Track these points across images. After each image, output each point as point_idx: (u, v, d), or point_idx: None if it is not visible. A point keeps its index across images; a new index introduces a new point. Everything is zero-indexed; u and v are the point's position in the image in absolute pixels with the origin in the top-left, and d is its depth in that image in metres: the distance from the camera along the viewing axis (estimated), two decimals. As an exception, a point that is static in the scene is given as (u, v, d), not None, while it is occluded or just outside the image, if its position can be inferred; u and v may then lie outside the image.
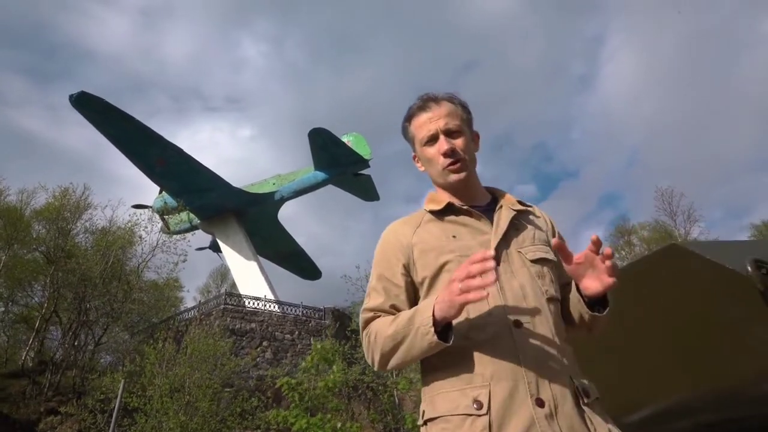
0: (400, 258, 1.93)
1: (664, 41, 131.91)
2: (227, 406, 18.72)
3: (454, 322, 1.65)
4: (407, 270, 1.91)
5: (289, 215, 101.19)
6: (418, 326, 1.66)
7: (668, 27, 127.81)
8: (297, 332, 28.71)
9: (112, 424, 16.05)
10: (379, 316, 1.87)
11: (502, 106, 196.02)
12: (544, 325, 1.69)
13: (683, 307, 2.49)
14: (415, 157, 2.15)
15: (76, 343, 26.84)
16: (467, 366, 1.66)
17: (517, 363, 1.61)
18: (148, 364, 18.78)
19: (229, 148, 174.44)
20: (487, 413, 1.56)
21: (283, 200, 35.33)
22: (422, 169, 2.12)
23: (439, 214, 1.97)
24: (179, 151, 29.97)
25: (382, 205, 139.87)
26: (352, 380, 18.18)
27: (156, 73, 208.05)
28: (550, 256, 1.86)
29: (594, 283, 1.66)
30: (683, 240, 40.75)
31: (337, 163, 32.36)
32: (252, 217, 35.16)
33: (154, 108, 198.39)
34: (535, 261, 1.83)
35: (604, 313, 1.73)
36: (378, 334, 1.79)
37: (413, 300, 1.88)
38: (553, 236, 1.95)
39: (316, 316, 30.21)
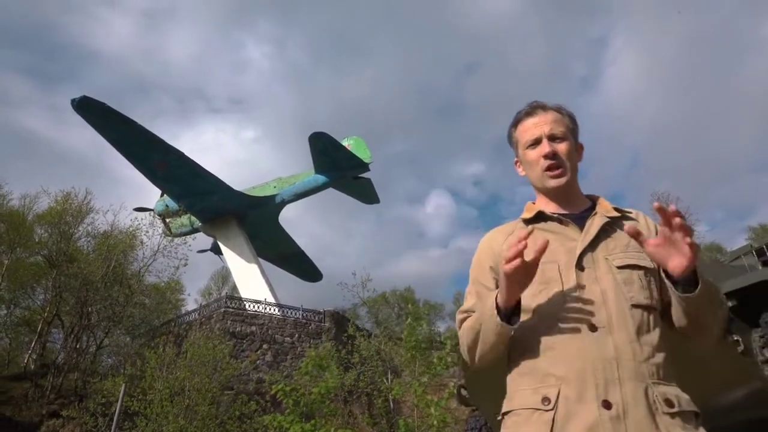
0: (490, 263, 2.02)
1: (665, 43, 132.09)
2: (226, 409, 18.83)
3: (533, 322, 1.78)
4: (496, 274, 1.96)
5: (291, 217, 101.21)
6: (486, 311, 1.79)
7: (670, 29, 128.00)
8: (297, 335, 28.81)
9: (113, 428, 16.19)
10: (470, 316, 1.95)
11: (504, 107, 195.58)
12: (622, 330, 1.69)
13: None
14: (517, 162, 2.18)
15: (77, 347, 26.99)
16: (541, 367, 1.74)
17: (588, 365, 1.65)
18: (148, 368, 18.90)
19: (233, 150, 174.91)
20: (553, 409, 1.63)
21: (283, 203, 35.42)
22: (523, 173, 2.15)
23: (531, 222, 2.02)
24: (180, 155, 30.06)
25: (384, 206, 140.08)
26: (348, 385, 18.30)
27: (160, 75, 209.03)
28: (644, 262, 1.82)
29: (678, 260, 1.60)
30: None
31: (337, 167, 32.43)
32: (253, 220, 35.28)
33: (158, 109, 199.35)
34: (622, 267, 1.82)
35: (696, 292, 1.63)
36: (465, 329, 1.92)
37: None
38: None
39: (316, 319, 30.26)
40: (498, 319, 1.73)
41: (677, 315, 1.75)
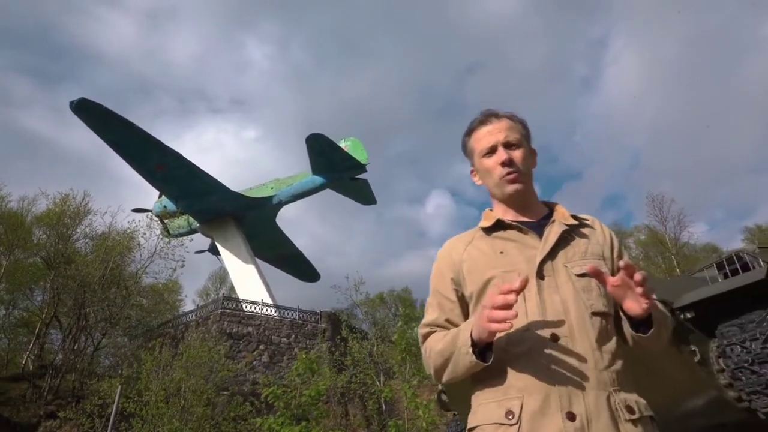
0: (450, 273, 2.00)
1: (666, 43, 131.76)
2: (222, 410, 18.98)
3: (495, 338, 1.73)
4: (457, 284, 1.98)
5: (292, 216, 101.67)
6: (460, 345, 1.75)
7: (671, 29, 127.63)
8: (293, 336, 28.95)
9: (109, 429, 16.38)
10: (434, 331, 1.96)
11: (506, 107, 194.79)
12: (584, 339, 1.70)
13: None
14: (473, 171, 2.18)
15: (75, 347, 27.09)
16: (504, 378, 1.72)
17: (551, 376, 1.64)
18: (144, 370, 19.07)
19: (234, 150, 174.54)
20: (517, 423, 1.62)
21: (281, 204, 35.54)
22: (479, 182, 2.14)
23: (490, 231, 2.01)
24: (178, 157, 30.17)
25: (385, 206, 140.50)
26: (341, 387, 18.47)
27: (161, 75, 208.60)
28: (602, 269, 1.78)
29: (634, 305, 1.67)
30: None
31: (334, 168, 32.55)
32: (250, 221, 35.41)
33: (160, 109, 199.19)
34: (581, 275, 1.81)
35: (648, 334, 1.71)
36: (432, 350, 1.89)
37: (467, 313, 1.95)
38: (611, 249, 1.98)
39: (312, 319, 30.40)
40: (473, 357, 1.71)
41: (628, 337, 1.78)
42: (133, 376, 20.45)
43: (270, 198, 35.06)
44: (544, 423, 1.58)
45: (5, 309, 33.93)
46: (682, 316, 5.63)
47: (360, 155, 33.19)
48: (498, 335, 1.71)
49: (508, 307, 1.60)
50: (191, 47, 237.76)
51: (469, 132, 2.13)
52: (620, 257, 1.97)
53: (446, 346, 1.83)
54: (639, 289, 1.63)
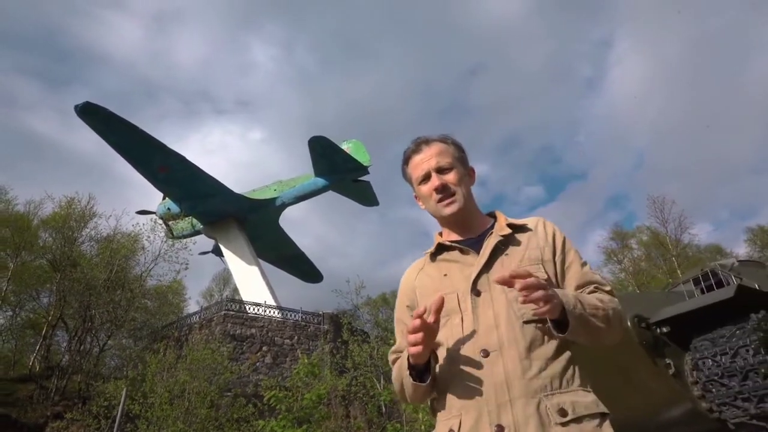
0: (406, 301, 2.13)
1: (671, 44, 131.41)
2: (225, 412, 19.16)
3: (440, 354, 1.86)
4: (414, 309, 1.97)
5: (296, 217, 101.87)
6: (403, 370, 1.88)
7: (675, 30, 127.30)
8: (296, 337, 29.11)
9: (114, 430, 16.66)
10: (399, 357, 2.04)
11: (510, 108, 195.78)
12: (512, 350, 1.73)
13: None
14: (416, 196, 2.23)
15: (81, 349, 27.37)
16: (447, 398, 1.80)
17: (482, 392, 1.70)
18: (149, 372, 19.31)
19: (239, 151, 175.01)
20: None
21: (284, 206, 35.66)
22: (423, 207, 2.20)
23: (435, 255, 2.09)
24: (181, 159, 30.28)
25: (388, 207, 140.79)
26: (341, 390, 18.67)
27: (167, 77, 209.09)
28: (537, 274, 1.80)
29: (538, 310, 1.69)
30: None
31: (336, 170, 32.64)
32: (253, 223, 35.52)
33: (165, 111, 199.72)
34: None
35: (566, 333, 1.71)
36: (393, 377, 2.02)
37: None
38: (553, 251, 2.00)
39: (315, 321, 30.56)
40: (411, 380, 1.83)
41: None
42: (138, 378, 20.72)
43: (273, 200, 35.18)
44: None
45: (12, 311, 34.30)
46: (658, 330, 5.89)
47: (362, 157, 33.27)
48: (440, 355, 1.85)
49: (416, 330, 1.72)
50: (196, 49, 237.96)
51: (406, 161, 2.22)
52: (564, 256, 2.01)
53: (397, 372, 1.97)
54: (521, 298, 1.65)
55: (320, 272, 41.80)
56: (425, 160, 2.11)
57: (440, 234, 2.19)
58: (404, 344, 1.98)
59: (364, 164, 33.24)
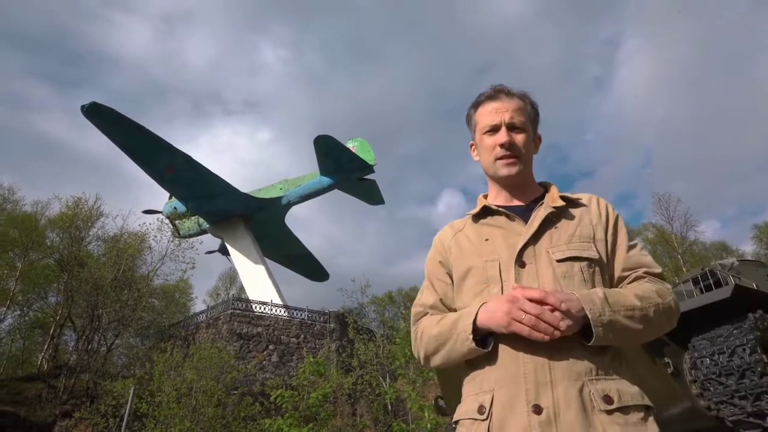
0: (439, 257, 2.01)
1: (678, 43, 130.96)
2: (232, 410, 19.23)
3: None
4: (447, 269, 1.97)
5: (305, 216, 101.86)
6: (459, 331, 1.71)
7: (683, 29, 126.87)
8: (303, 336, 29.21)
9: (122, 429, 16.78)
10: (427, 313, 1.94)
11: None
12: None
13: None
14: (472, 145, 2.12)
15: (89, 348, 27.48)
16: (481, 372, 1.70)
17: (520, 369, 1.59)
18: (156, 371, 19.41)
19: (248, 151, 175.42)
20: (487, 418, 1.60)
21: (290, 205, 35.81)
22: (477, 158, 2.09)
23: (478, 217, 1.98)
24: (188, 159, 30.45)
25: (396, 206, 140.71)
26: (347, 388, 18.76)
27: (177, 78, 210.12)
28: (588, 253, 1.77)
29: None
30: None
31: (341, 169, 32.78)
32: (259, 222, 35.69)
33: (175, 112, 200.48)
34: (562, 260, 1.75)
35: (592, 341, 1.57)
36: (424, 333, 1.86)
37: None
38: (606, 229, 1.89)
39: (321, 319, 30.66)
40: (473, 344, 1.67)
41: None
42: (145, 377, 20.81)
43: (279, 199, 35.32)
44: (512, 417, 1.55)
45: (20, 310, 34.52)
46: (657, 329, 5.95)
47: (367, 156, 33.36)
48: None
49: (536, 311, 1.56)
50: (206, 51, 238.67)
51: (476, 105, 2.07)
52: (615, 236, 1.90)
53: (443, 330, 1.79)
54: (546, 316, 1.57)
55: (326, 271, 42.04)
56: (500, 110, 1.97)
57: (485, 197, 2.07)
58: (433, 300, 1.97)
59: (370, 163, 33.32)
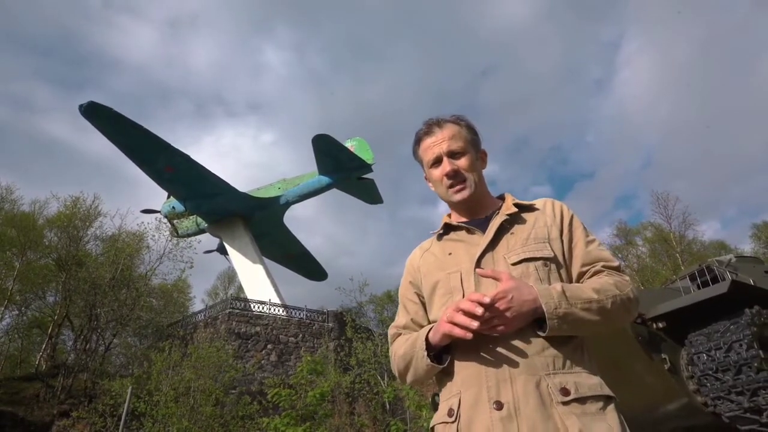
0: (410, 278, 2.09)
1: (679, 44, 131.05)
2: (230, 410, 19.21)
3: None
4: (417, 288, 2.04)
5: (306, 216, 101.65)
6: (417, 349, 1.80)
7: (684, 30, 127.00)
8: (301, 335, 29.18)
9: (120, 428, 16.73)
10: (401, 334, 2.01)
11: (519, 109, 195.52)
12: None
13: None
14: (426, 178, 2.19)
15: (87, 347, 27.46)
16: (449, 377, 1.76)
17: (481, 369, 1.66)
18: (154, 370, 19.39)
19: (251, 153, 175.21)
20: (455, 421, 1.66)
21: (288, 204, 35.77)
22: (433, 189, 2.16)
23: (442, 236, 2.07)
24: (187, 158, 30.42)
25: (398, 205, 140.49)
26: (346, 387, 18.72)
27: (181, 80, 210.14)
28: (542, 253, 1.84)
29: None
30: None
31: (340, 168, 32.79)
32: (258, 221, 35.66)
33: (179, 114, 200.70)
34: (516, 263, 1.81)
35: (546, 333, 1.65)
36: (396, 354, 1.95)
37: None
38: (561, 229, 1.95)
39: (319, 319, 30.63)
40: (428, 360, 1.75)
41: None
42: (143, 376, 20.79)
43: (277, 198, 35.31)
44: (477, 415, 1.61)
45: (18, 310, 34.39)
46: (654, 326, 5.96)
47: (366, 155, 33.37)
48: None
49: (471, 316, 1.61)
50: (210, 53, 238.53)
51: (417, 142, 2.15)
52: (571, 234, 1.96)
53: (407, 350, 1.87)
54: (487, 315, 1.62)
55: (325, 270, 42.02)
56: (437, 143, 2.05)
57: (449, 215, 2.16)
58: (405, 321, 2.04)
59: (368, 162, 33.30)
